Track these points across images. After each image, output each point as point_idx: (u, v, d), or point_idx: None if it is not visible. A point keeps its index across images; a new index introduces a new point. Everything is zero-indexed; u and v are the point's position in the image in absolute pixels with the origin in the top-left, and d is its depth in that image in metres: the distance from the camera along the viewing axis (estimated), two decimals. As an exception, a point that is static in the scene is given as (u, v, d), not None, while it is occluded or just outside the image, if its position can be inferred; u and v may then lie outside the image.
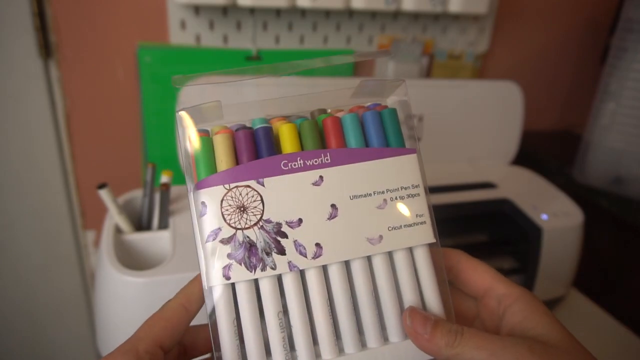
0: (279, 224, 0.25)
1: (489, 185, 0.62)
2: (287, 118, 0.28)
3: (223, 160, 0.25)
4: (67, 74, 0.59)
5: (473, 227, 0.66)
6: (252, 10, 0.62)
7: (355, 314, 0.26)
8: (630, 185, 0.66)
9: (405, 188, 0.27)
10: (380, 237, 0.26)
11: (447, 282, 0.27)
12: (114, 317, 0.44)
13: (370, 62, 0.71)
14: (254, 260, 0.24)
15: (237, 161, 0.25)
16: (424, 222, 0.27)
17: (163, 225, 0.50)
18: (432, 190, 0.66)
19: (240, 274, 0.24)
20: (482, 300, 0.28)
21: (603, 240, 0.75)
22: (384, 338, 0.26)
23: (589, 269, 0.69)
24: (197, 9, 0.60)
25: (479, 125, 0.67)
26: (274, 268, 0.24)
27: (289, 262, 0.25)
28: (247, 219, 0.25)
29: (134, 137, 0.65)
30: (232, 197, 0.24)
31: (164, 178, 0.50)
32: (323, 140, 0.27)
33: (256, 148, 0.26)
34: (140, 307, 0.42)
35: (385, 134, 0.27)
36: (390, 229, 0.26)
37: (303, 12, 0.64)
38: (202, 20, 0.61)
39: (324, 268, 0.26)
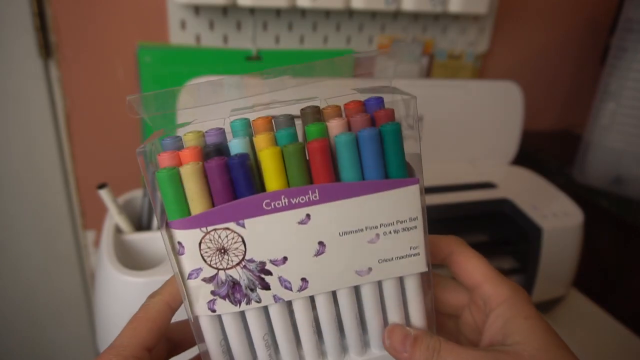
0: (263, 263, 0.23)
1: (489, 185, 0.62)
2: (272, 121, 0.24)
3: (194, 199, 0.22)
4: (67, 74, 0.59)
5: (473, 227, 0.66)
6: (252, 10, 0.62)
7: (340, 332, 0.26)
8: (630, 185, 0.66)
9: (402, 222, 0.24)
10: (370, 269, 0.24)
11: (433, 299, 0.27)
12: (114, 317, 0.44)
13: (372, 62, 0.71)
14: (238, 296, 0.24)
15: (212, 198, 0.22)
16: (418, 254, 0.25)
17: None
18: (432, 190, 0.66)
19: (225, 308, 0.24)
20: (471, 294, 0.27)
21: (603, 240, 0.75)
22: (366, 348, 0.27)
23: (589, 269, 0.69)
24: (197, 9, 0.60)
25: (479, 125, 0.67)
26: (259, 301, 0.24)
27: (274, 295, 0.24)
28: (228, 259, 0.23)
29: (134, 137, 0.65)
30: (210, 240, 0.23)
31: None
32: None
33: (232, 182, 0.22)
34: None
35: (385, 160, 0.23)
36: (380, 261, 0.24)
37: (303, 12, 0.64)
38: (202, 20, 0.61)
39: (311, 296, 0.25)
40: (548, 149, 0.81)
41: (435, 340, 0.24)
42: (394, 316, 0.26)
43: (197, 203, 0.22)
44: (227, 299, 0.24)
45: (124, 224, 0.49)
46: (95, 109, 0.62)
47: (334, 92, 0.25)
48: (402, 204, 0.24)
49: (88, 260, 0.71)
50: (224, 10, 0.61)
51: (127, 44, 0.60)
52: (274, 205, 0.22)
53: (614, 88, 0.66)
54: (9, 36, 0.57)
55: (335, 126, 0.23)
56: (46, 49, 0.58)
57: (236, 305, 0.24)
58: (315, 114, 0.24)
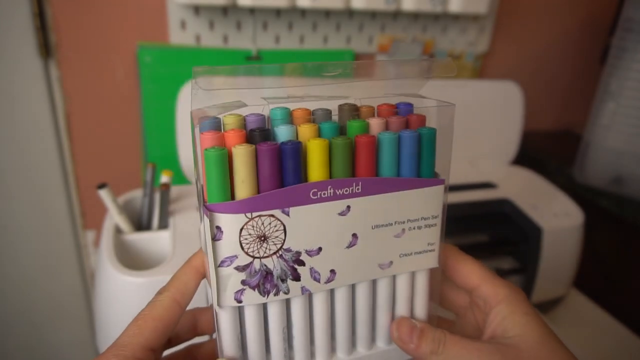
0: (299, 253, 0.24)
1: (489, 185, 0.62)
2: (311, 112, 0.25)
3: (245, 181, 0.22)
4: (67, 74, 0.59)
5: (473, 227, 0.66)
6: (252, 10, 0.62)
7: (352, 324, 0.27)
8: (630, 185, 0.66)
9: (425, 218, 0.26)
10: (391, 262, 0.26)
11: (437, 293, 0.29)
12: (113, 317, 0.44)
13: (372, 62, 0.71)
14: (268, 286, 0.24)
15: (258, 182, 0.22)
16: (433, 250, 0.27)
17: (163, 225, 0.50)
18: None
19: (253, 299, 0.24)
20: (471, 296, 0.29)
21: (603, 240, 0.75)
22: (373, 342, 0.28)
23: (589, 269, 0.69)
24: (197, 9, 0.60)
25: (479, 125, 0.67)
26: (287, 293, 0.24)
27: (302, 287, 0.24)
28: (266, 248, 0.23)
29: (134, 137, 0.65)
30: (253, 227, 0.22)
31: (164, 178, 0.50)
32: (354, 160, 0.24)
33: (281, 168, 0.23)
34: (140, 307, 0.42)
35: (419, 160, 0.25)
36: (401, 255, 0.26)
37: (303, 12, 0.64)
38: (202, 20, 0.61)
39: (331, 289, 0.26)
40: (548, 149, 0.81)
41: (440, 332, 0.25)
42: (402, 309, 0.27)
43: (244, 187, 0.22)
44: (256, 290, 0.23)
45: (124, 224, 0.49)
46: (95, 109, 0.62)
47: (369, 92, 0.27)
48: (429, 201, 0.26)
49: (88, 260, 0.71)
50: (224, 10, 0.61)
51: (127, 44, 0.60)
52: (320, 195, 0.23)
53: (614, 88, 0.66)
54: (9, 36, 0.57)
55: (375, 124, 0.24)
56: (46, 49, 0.58)
57: (264, 296, 0.24)
58: (352, 111, 0.25)
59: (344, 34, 0.68)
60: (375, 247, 0.25)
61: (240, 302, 0.23)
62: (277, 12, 0.63)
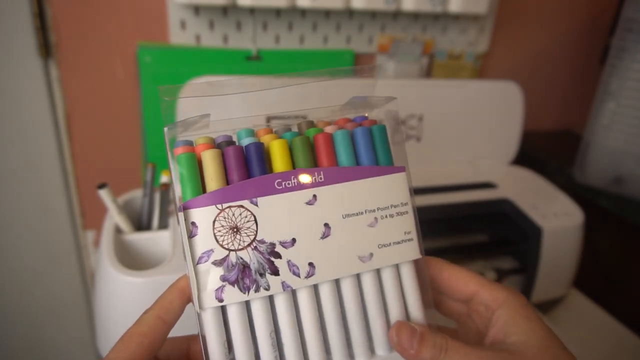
0: (273, 244, 0.24)
1: (489, 185, 0.62)
2: (273, 130, 0.27)
3: (213, 178, 0.24)
4: (67, 74, 0.59)
5: (473, 227, 0.66)
6: (252, 10, 0.62)
7: (344, 329, 0.26)
8: (630, 185, 0.66)
9: (395, 206, 0.27)
10: (371, 254, 0.26)
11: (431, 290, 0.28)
12: (113, 317, 0.44)
13: (371, 61, 0.71)
14: (247, 281, 0.24)
15: (227, 179, 0.24)
16: (411, 239, 0.27)
17: (163, 225, 0.50)
18: (432, 190, 0.66)
19: (234, 296, 0.24)
20: (470, 305, 0.28)
21: (603, 240, 0.75)
22: (371, 351, 0.27)
23: (589, 269, 0.69)
24: (197, 9, 0.60)
25: (479, 125, 0.67)
26: (267, 289, 0.24)
27: (283, 282, 0.24)
28: (240, 239, 0.24)
29: (134, 137, 0.65)
30: (224, 218, 0.24)
31: (164, 178, 0.50)
32: (314, 157, 0.26)
33: (247, 165, 0.25)
34: (140, 307, 0.42)
35: (375, 152, 0.27)
36: (380, 246, 0.26)
37: (303, 12, 0.64)
38: (202, 20, 0.61)
39: (315, 286, 0.26)
40: (548, 149, 0.81)
41: (441, 337, 0.25)
42: (395, 311, 0.27)
43: (214, 183, 0.24)
44: (236, 285, 0.24)
45: (124, 224, 0.49)
46: (95, 109, 0.62)
47: (324, 112, 0.29)
48: (394, 189, 0.27)
49: (88, 260, 0.71)
50: (224, 10, 0.61)
51: (127, 44, 0.60)
52: (285, 184, 0.25)
53: (614, 88, 0.66)
54: (9, 36, 0.57)
55: (331, 128, 0.27)
56: (46, 49, 0.58)
57: (245, 293, 0.24)
58: (310, 125, 0.28)
59: (344, 34, 0.68)
60: (350, 238, 0.26)
61: (221, 300, 0.23)
62: (277, 12, 0.63)
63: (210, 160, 0.24)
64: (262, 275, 0.24)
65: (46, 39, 0.58)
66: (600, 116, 0.68)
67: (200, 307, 0.23)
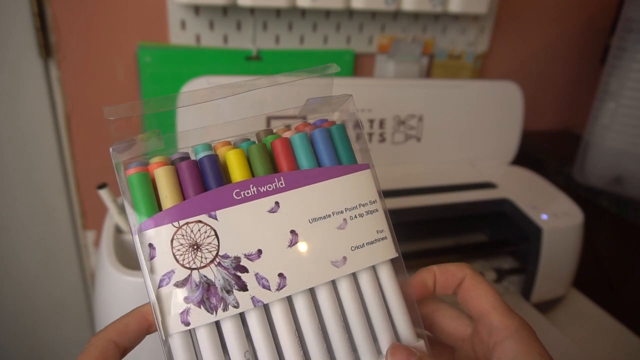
0: (238, 258, 0.23)
1: (489, 185, 0.62)
2: (231, 142, 0.26)
3: (168, 196, 0.23)
4: (67, 74, 0.59)
5: (473, 227, 0.66)
6: (252, 10, 0.62)
7: (326, 341, 0.24)
8: (630, 185, 0.66)
9: (364, 205, 0.26)
10: (344, 258, 0.25)
11: (415, 300, 0.26)
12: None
13: (371, 61, 0.71)
14: (214, 300, 0.22)
15: (183, 195, 0.23)
16: (385, 238, 0.26)
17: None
18: (432, 190, 0.66)
19: (200, 318, 0.22)
20: (476, 324, 0.26)
21: (603, 240, 0.75)
22: None
23: (589, 269, 0.69)
24: (197, 9, 0.60)
25: (479, 125, 0.67)
26: (236, 306, 0.22)
27: (252, 298, 0.23)
28: (202, 257, 0.22)
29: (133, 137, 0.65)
30: (182, 236, 0.22)
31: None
32: (274, 163, 0.25)
33: (202, 179, 0.24)
34: (140, 307, 0.42)
35: (336, 152, 0.26)
36: (353, 248, 0.25)
37: (303, 12, 0.64)
38: (202, 20, 0.61)
39: (289, 298, 0.24)
40: (548, 149, 0.81)
41: None
42: (378, 317, 0.25)
43: (169, 200, 0.23)
44: (201, 306, 0.22)
45: (124, 224, 0.49)
46: (95, 109, 0.62)
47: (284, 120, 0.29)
48: (360, 187, 0.26)
49: (88, 260, 0.71)
50: (224, 10, 0.61)
51: (127, 44, 0.60)
52: (244, 194, 0.23)
53: (614, 88, 0.66)
54: (9, 36, 0.57)
55: (289, 133, 0.26)
56: (46, 49, 0.58)
57: (212, 313, 0.22)
58: (268, 133, 0.27)
59: (344, 34, 0.68)
60: (320, 243, 0.24)
61: (188, 324, 0.22)
62: (277, 12, 0.63)
63: (163, 178, 0.23)
64: (229, 292, 0.22)
65: (46, 39, 0.58)
66: (600, 116, 0.68)
67: (166, 333, 0.22)
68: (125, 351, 0.22)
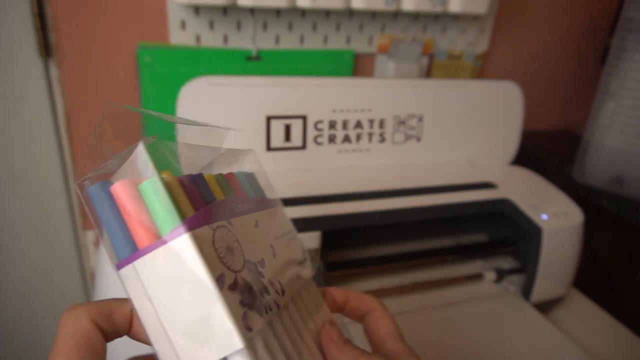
0: (255, 264, 0.23)
1: (489, 185, 0.62)
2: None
3: (187, 204, 0.22)
4: (67, 74, 0.59)
5: (473, 227, 0.66)
6: (252, 10, 0.62)
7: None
8: (630, 185, 0.66)
9: (290, 232, 0.30)
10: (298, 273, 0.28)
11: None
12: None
13: (371, 61, 0.71)
14: (258, 304, 0.22)
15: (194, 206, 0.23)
16: (306, 260, 0.30)
17: (163, 225, 0.50)
18: (432, 190, 0.66)
19: (257, 321, 0.21)
20: (373, 349, 0.28)
21: (603, 240, 0.75)
22: None
23: (589, 269, 0.69)
24: (197, 9, 0.60)
25: (479, 126, 0.67)
26: (271, 310, 0.23)
27: (275, 301, 0.23)
28: (236, 260, 0.22)
29: (133, 137, 0.65)
30: (219, 238, 0.21)
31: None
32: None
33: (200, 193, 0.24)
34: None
35: (260, 189, 0.30)
36: (299, 264, 0.29)
37: (303, 12, 0.64)
38: (202, 20, 0.61)
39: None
40: (548, 149, 0.81)
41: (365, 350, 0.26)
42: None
43: (187, 208, 0.22)
44: (254, 308, 0.21)
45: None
46: (95, 109, 0.62)
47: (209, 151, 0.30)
48: (285, 219, 0.30)
49: (88, 260, 0.71)
50: (224, 10, 0.61)
51: (127, 44, 0.60)
52: (239, 208, 0.25)
53: (614, 88, 0.66)
54: (9, 36, 0.57)
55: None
56: (46, 49, 0.58)
57: (261, 316, 0.21)
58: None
59: (344, 34, 0.68)
60: (285, 257, 0.27)
61: (250, 329, 0.20)
62: (277, 12, 0.63)
63: (175, 186, 0.22)
64: (262, 294, 0.22)
65: (46, 39, 0.58)
66: (600, 116, 0.68)
67: (244, 344, 0.19)
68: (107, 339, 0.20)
